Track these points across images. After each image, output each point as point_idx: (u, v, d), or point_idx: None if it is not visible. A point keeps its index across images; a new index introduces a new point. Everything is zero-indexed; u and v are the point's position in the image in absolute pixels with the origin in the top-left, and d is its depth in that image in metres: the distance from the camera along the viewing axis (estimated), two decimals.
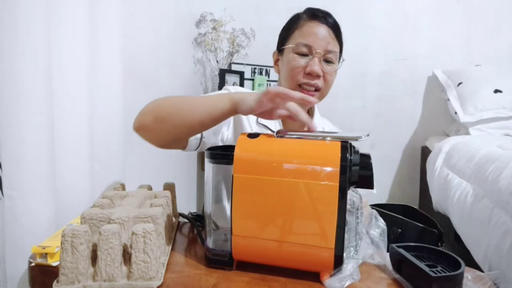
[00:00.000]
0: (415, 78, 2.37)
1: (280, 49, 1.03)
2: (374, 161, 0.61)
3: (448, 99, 2.12)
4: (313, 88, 0.95)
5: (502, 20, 2.24)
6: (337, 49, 0.97)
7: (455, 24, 2.29)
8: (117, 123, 1.08)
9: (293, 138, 0.65)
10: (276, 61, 1.06)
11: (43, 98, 0.77)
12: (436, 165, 1.79)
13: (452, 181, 1.54)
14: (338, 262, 0.60)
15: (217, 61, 2.19)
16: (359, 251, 0.68)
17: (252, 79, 2.19)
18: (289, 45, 0.97)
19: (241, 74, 2.15)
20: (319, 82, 0.95)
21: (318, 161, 0.59)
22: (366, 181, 0.61)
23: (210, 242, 0.67)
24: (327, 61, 0.96)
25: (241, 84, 2.15)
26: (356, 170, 0.59)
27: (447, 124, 2.24)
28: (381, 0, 2.36)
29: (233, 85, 2.14)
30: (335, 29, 0.97)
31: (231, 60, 2.20)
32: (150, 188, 0.88)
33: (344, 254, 0.62)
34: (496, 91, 1.97)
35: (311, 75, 0.94)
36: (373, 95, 2.41)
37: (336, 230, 0.58)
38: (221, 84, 2.09)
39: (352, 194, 0.66)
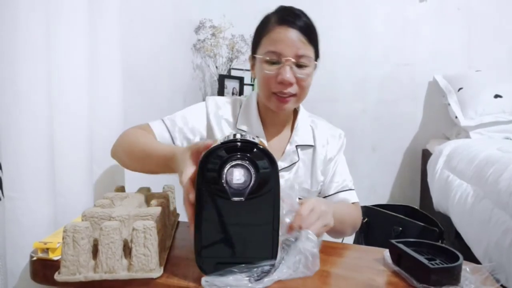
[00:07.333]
0: (416, 83, 2.38)
1: (253, 55, 0.99)
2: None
3: (449, 104, 2.13)
4: (287, 95, 0.92)
5: (502, 26, 2.25)
6: (309, 52, 0.91)
7: (456, 30, 2.30)
8: (117, 127, 1.08)
9: None
10: (252, 66, 1.02)
11: (43, 99, 0.77)
12: (437, 167, 1.79)
13: (452, 182, 1.54)
14: None
15: (216, 67, 2.21)
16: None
17: (252, 84, 2.20)
18: (259, 55, 0.93)
19: (240, 79, 2.16)
20: (292, 90, 0.91)
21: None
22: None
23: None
24: (300, 66, 0.90)
25: (241, 90, 2.16)
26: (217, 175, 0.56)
27: (447, 127, 2.25)
28: (382, 5, 2.37)
29: (233, 90, 2.15)
30: (307, 32, 0.90)
31: (230, 66, 2.21)
32: (149, 190, 0.88)
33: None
34: (496, 96, 1.98)
35: (283, 83, 0.90)
36: (374, 100, 2.42)
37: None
38: (221, 89, 2.10)
39: None
